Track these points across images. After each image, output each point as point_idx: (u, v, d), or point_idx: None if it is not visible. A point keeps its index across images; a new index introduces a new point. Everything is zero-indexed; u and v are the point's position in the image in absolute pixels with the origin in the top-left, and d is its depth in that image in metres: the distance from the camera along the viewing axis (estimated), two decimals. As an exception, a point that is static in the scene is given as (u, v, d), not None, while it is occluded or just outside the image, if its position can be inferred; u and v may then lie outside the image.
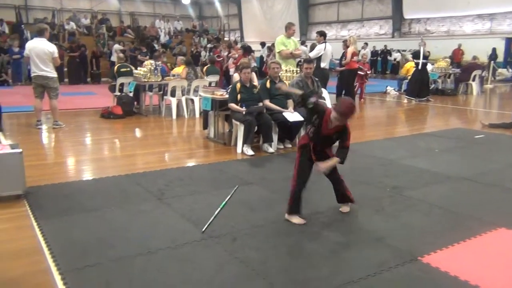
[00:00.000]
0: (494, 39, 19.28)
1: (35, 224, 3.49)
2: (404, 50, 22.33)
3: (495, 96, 14.77)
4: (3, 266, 2.85)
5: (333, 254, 3.07)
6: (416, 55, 12.56)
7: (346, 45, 11.03)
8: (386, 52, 23.30)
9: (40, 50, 7.12)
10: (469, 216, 3.82)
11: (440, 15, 21.60)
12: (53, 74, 7.28)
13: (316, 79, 6.74)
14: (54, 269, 2.77)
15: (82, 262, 2.83)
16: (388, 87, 14.65)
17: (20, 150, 3.98)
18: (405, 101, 12.47)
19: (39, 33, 7.36)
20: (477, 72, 14.30)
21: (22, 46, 15.46)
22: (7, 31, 18.12)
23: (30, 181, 4.25)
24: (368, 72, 13.04)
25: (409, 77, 14.48)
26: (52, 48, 7.26)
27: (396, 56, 22.77)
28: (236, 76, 7.21)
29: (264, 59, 17.36)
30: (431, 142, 6.92)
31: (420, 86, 12.39)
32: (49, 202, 3.96)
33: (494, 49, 18.78)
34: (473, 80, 14.25)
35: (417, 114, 10.61)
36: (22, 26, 18.97)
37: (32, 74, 7.28)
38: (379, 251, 3.12)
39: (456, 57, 16.89)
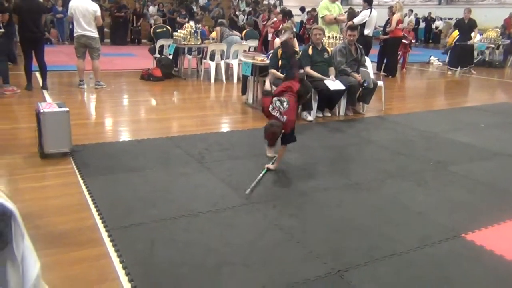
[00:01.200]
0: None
1: (81, 181, 3.60)
2: (450, 18, 21.34)
3: (546, 70, 14.01)
4: (52, 221, 2.96)
5: (374, 226, 3.04)
6: (458, 24, 11.87)
7: (392, 11, 10.59)
8: (430, 20, 22.30)
9: (84, 9, 7.16)
10: (516, 195, 3.70)
11: (492, -18, 20.37)
12: (96, 34, 7.35)
13: (360, 46, 6.55)
14: (101, 226, 2.87)
15: (128, 221, 2.92)
16: (432, 57, 14.10)
17: (67, 109, 4.07)
18: (449, 72, 11.96)
19: (82, -7, 7.39)
20: (528, 44, 13.55)
21: (65, 5, 15.67)
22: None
23: (75, 139, 4.35)
24: (412, 40, 12.54)
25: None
26: (95, 7, 7.30)
27: (438, 24, 21.78)
28: (277, 42, 7.07)
29: (304, 24, 16.93)
30: (476, 116, 6.67)
31: (462, 56, 11.69)
32: (94, 160, 4.07)
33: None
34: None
35: (461, 86, 10.22)
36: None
37: (75, 34, 7.35)
38: (421, 226, 3.06)
39: (508, 27, 15.95)
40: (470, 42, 11.64)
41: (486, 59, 13.70)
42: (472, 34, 11.76)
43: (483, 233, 3.00)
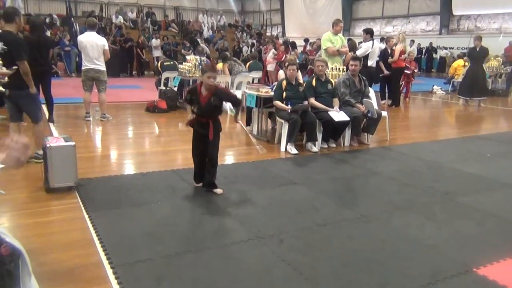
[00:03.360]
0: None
1: (86, 216, 3.57)
2: (451, 48, 21.61)
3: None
4: (56, 257, 2.93)
5: (384, 260, 2.98)
6: (470, 53, 11.54)
7: (390, 44, 10.69)
8: (432, 50, 22.60)
9: (92, 43, 7.31)
10: (527, 227, 3.64)
11: (492, 12, 20.70)
12: (104, 67, 7.47)
13: (364, 77, 6.61)
14: (106, 262, 2.83)
15: (133, 257, 2.88)
16: (435, 86, 14.20)
17: (73, 143, 4.09)
18: (460, 102, 11.70)
19: (91, 27, 7.56)
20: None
21: (72, 39, 16.02)
22: (58, 23, 18.81)
23: (80, 173, 4.35)
24: (415, 70, 12.66)
25: (456, 76, 14.02)
26: (103, 41, 7.46)
27: (443, 53, 22.02)
28: (281, 74, 7.15)
29: (306, 50, 17.13)
30: (481, 146, 6.65)
31: (474, 85, 11.17)
32: (99, 194, 4.06)
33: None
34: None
35: (465, 115, 10.23)
36: (72, 19, 19.60)
37: (83, 67, 7.47)
38: (432, 260, 3.00)
39: (509, 55, 16.10)
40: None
41: (490, 88, 13.75)
42: (484, 64, 11.59)
43: (495, 267, 2.94)
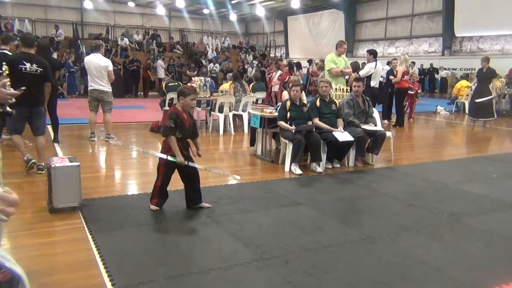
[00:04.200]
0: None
1: (90, 237, 3.55)
2: (454, 69, 21.69)
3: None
4: (59, 278, 2.90)
5: (391, 283, 2.93)
6: (478, 74, 11.51)
7: (394, 65, 10.78)
8: (433, 71, 22.71)
9: (96, 65, 7.41)
10: (536, 249, 3.59)
11: (494, 33, 20.84)
12: (109, 88, 7.55)
13: (367, 98, 6.63)
14: (109, 284, 2.80)
15: (136, 279, 2.84)
16: (439, 107, 14.22)
17: (78, 163, 4.10)
18: (465, 122, 11.67)
19: (95, 49, 7.67)
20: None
21: (77, 61, 16.23)
22: (63, 38, 19.22)
23: (84, 193, 4.35)
24: (418, 91, 12.68)
25: (460, 97, 14.04)
26: (107, 62, 7.55)
27: (443, 74, 22.13)
28: (285, 94, 7.18)
29: (309, 71, 17.23)
30: (487, 167, 6.61)
31: (482, 107, 11.19)
32: (103, 215, 4.05)
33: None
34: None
35: (469, 136, 10.21)
36: (78, 41, 19.89)
37: (89, 88, 7.59)
38: (439, 283, 2.95)
39: (512, 76, 16.12)
40: (489, 97, 11.18)
41: (494, 108, 13.74)
42: (491, 85, 11.60)
43: (504, 290, 2.88)
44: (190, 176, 4.25)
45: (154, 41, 21.30)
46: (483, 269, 3.21)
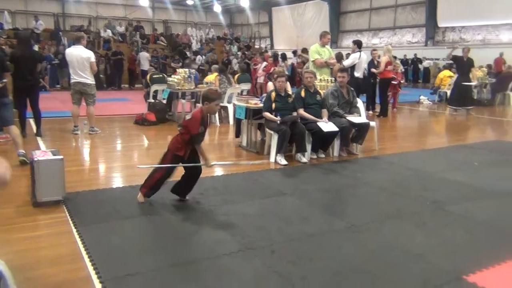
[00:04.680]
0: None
1: (74, 230, 3.53)
2: (437, 59, 21.93)
3: (534, 107, 14.29)
4: (44, 273, 2.88)
5: (375, 269, 2.98)
6: (457, 61, 11.53)
7: (375, 55, 10.83)
8: (417, 61, 22.94)
9: (78, 57, 7.28)
10: (515, 234, 3.67)
11: (476, 23, 21.08)
12: (91, 81, 7.44)
13: (352, 88, 6.67)
14: (94, 277, 2.79)
15: (123, 271, 2.84)
16: (422, 97, 14.37)
17: (61, 156, 4.05)
18: (447, 112, 11.78)
19: (76, 41, 7.56)
20: (514, 82, 13.85)
21: (59, 53, 15.98)
22: (41, 29, 18.87)
23: (68, 186, 4.30)
24: (401, 81, 12.78)
25: (442, 87, 14.20)
26: (89, 54, 7.42)
27: (426, 64, 22.37)
28: (270, 85, 7.18)
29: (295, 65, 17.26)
30: (469, 155, 6.72)
31: (462, 95, 11.34)
32: (87, 208, 4.02)
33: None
34: (511, 90, 13.83)
35: (452, 125, 10.35)
36: (60, 33, 19.56)
37: (71, 81, 7.48)
38: (422, 269, 3.01)
39: (497, 66, 16.37)
40: (472, 83, 11.49)
41: (475, 98, 13.94)
42: (471, 75, 11.82)
43: (484, 274, 2.95)
44: (196, 175, 4.26)
45: (138, 32, 21.05)
46: (465, 254, 3.27)
